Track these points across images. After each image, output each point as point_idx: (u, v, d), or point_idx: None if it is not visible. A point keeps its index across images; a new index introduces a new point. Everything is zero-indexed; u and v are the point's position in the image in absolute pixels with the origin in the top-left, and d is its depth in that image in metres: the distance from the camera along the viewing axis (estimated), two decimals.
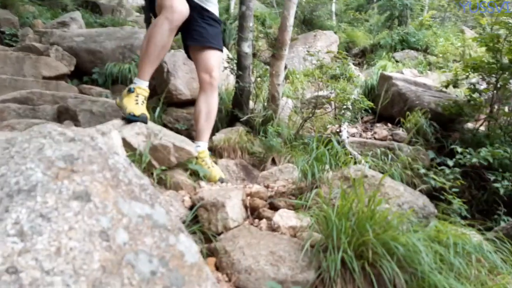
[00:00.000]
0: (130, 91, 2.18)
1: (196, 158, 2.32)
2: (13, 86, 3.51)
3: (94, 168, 0.92)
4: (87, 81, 4.35)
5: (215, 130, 3.40)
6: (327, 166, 1.85)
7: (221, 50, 2.51)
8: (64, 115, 2.77)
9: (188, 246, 0.99)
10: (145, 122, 2.09)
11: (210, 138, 3.29)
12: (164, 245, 0.92)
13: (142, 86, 2.18)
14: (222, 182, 2.28)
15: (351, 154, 2.56)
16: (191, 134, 3.77)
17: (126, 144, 2.02)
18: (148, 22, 2.53)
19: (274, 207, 1.84)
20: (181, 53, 4.20)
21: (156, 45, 2.13)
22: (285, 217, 1.64)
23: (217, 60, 2.44)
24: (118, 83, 4.32)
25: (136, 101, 2.13)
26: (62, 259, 0.69)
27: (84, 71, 4.45)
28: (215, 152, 3.22)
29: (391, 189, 1.67)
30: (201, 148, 2.43)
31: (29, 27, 5.81)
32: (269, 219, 1.73)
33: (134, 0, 13.83)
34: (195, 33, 2.38)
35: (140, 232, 0.88)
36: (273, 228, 1.64)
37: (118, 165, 1.00)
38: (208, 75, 2.39)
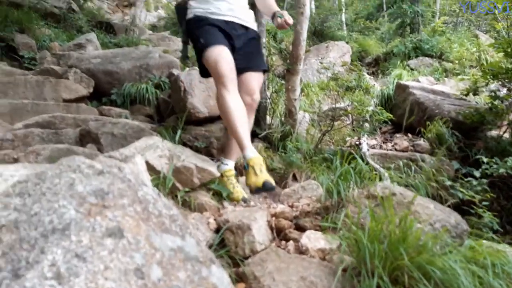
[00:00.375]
0: (245, 168, 2.12)
1: (222, 176, 2.29)
2: (34, 111, 3.58)
3: (124, 202, 0.91)
4: (106, 102, 4.40)
5: None
6: (352, 184, 1.81)
7: (265, 70, 2.49)
8: (87, 138, 2.80)
9: (220, 277, 0.97)
10: (271, 188, 1.95)
11: None
12: (197, 278, 0.90)
13: (252, 157, 2.08)
14: (245, 202, 2.23)
15: (375, 170, 2.51)
16: (210, 151, 3.78)
17: (150, 167, 2.02)
18: (185, 58, 2.57)
19: (300, 228, 1.80)
20: (196, 72, 4.23)
21: (233, 116, 2.11)
22: (313, 239, 1.60)
23: (259, 82, 2.38)
24: (136, 103, 4.37)
25: (255, 172, 2.01)
26: None
27: (102, 92, 4.52)
28: (236, 169, 3.21)
29: (421, 207, 1.62)
30: (228, 166, 2.38)
31: (46, 50, 5.95)
32: (296, 240, 1.70)
33: (147, 18, 14.13)
34: (239, 58, 2.27)
35: (173, 267, 0.87)
36: (301, 251, 1.60)
37: (148, 197, 0.99)
38: (250, 97, 2.31)
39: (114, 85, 4.53)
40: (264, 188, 1.93)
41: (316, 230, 1.73)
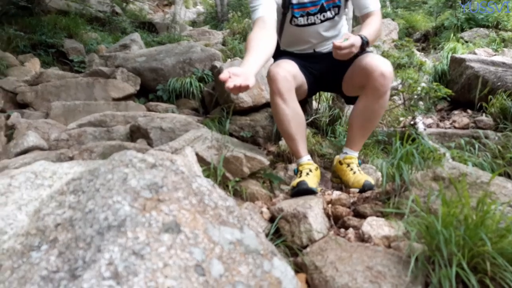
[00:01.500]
0: (295, 173, 2.15)
1: (340, 163, 2.19)
2: (86, 110, 3.69)
3: (179, 195, 0.86)
4: (153, 98, 4.47)
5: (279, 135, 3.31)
6: (416, 165, 1.67)
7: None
8: (136, 134, 2.84)
9: (284, 271, 0.90)
10: (305, 189, 1.91)
11: (277, 143, 3.21)
12: (260, 272, 0.83)
13: (302, 162, 2.08)
14: (367, 189, 1.94)
15: (441, 150, 2.33)
16: (256, 141, 3.72)
17: (199, 159, 2.00)
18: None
19: (359, 215, 1.70)
20: (238, 61, 4.18)
21: (284, 122, 2.04)
22: (375, 226, 1.50)
23: (377, 59, 2.02)
24: (182, 97, 4.40)
25: (300, 175, 2.03)
26: None
27: (148, 89, 4.59)
28: (283, 157, 3.14)
29: (498, 187, 1.46)
30: (348, 154, 2.19)
31: (94, 53, 6.16)
32: (356, 228, 1.60)
33: (186, 15, 14.31)
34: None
35: (234, 261, 0.81)
36: (363, 239, 1.50)
37: (202, 189, 0.94)
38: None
39: (159, 81, 4.59)
40: (298, 189, 1.93)
41: (377, 216, 1.62)
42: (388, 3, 11.18)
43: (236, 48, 6.24)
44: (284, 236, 1.57)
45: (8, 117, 3.38)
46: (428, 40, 8.29)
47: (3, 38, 5.45)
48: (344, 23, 2.30)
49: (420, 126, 3.41)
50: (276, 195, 2.20)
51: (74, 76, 4.79)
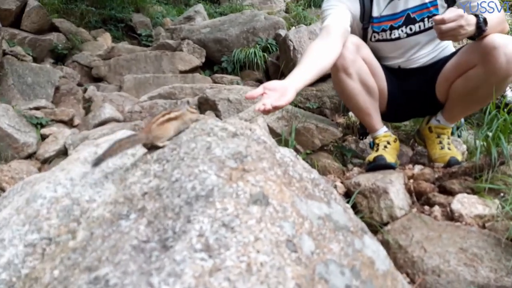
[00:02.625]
0: (370, 146, 2.01)
1: (430, 130, 1.94)
2: (156, 83, 3.80)
3: (264, 165, 0.81)
4: (218, 70, 4.49)
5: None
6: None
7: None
8: (205, 106, 2.86)
9: (376, 250, 0.83)
10: (383, 165, 1.77)
11: (346, 114, 3.07)
12: (351, 251, 0.77)
13: (378, 135, 1.92)
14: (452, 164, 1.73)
15: None
16: (323, 111, 3.60)
17: (270, 130, 1.96)
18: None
19: (445, 191, 1.56)
20: (304, 28, 4.02)
21: (352, 99, 1.83)
22: (467, 204, 1.36)
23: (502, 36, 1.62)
24: (246, 68, 4.36)
25: (377, 149, 1.89)
26: (255, 277, 0.59)
27: (214, 61, 4.61)
28: (353, 129, 3.00)
29: None
30: (440, 123, 1.93)
31: (160, 26, 6.29)
32: (442, 205, 1.47)
33: None
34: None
35: (324, 238, 0.75)
36: (451, 217, 1.37)
37: (286, 159, 0.89)
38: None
39: (224, 52, 4.57)
40: (375, 164, 1.78)
41: (467, 193, 1.47)
42: None
43: (300, 15, 6.01)
44: (361, 212, 1.49)
45: (85, 90, 3.57)
46: None
47: (76, 14, 5.72)
48: None
49: (509, 95, 3.06)
50: (349, 168, 2.10)
51: (143, 49, 4.93)
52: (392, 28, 1.83)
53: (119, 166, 0.96)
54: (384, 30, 1.85)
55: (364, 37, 1.90)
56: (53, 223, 0.76)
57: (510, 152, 1.45)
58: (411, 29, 1.82)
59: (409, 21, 1.80)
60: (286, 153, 0.92)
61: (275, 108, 1.31)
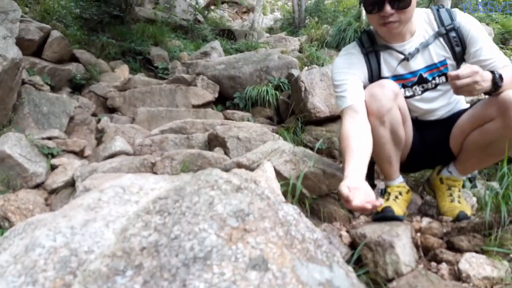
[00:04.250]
0: (381, 194, 1.99)
1: (441, 181, 1.92)
2: (168, 117, 3.86)
3: (266, 225, 0.81)
4: (230, 106, 4.55)
5: None
6: None
7: None
8: (214, 142, 2.88)
9: None
10: (390, 217, 1.73)
11: None
12: None
13: (391, 185, 1.90)
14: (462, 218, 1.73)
15: None
16: (332, 153, 3.60)
17: (277, 173, 1.95)
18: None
19: (453, 248, 1.51)
20: (317, 70, 4.09)
21: (380, 147, 1.78)
22: (475, 264, 1.31)
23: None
24: (258, 105, 4.41)
25: (387, 198, 1.88)
26: None
27: (226, 96, 4.68)
28: None
29: None
30: (452, 175, 1.92)
31: (177, 60, 6.46)
32: (450, 263, 1.42)
33: (263, 22, 14.52)
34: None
35: None
36: (459, 277, 1.33)
37: (289, 218, 0.88)
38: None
39: (237, 89, 4.66)
40: (382, 215, 1.75)
41: (476, 252, 1.43)
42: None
43: (313, 55, 6.13)
44: (367, 266, 1.45)
45: (98, 121, 3.64)
46: None
47: (97, 46, 5.92)
48: None
49: None
50: (356, 216, 2.07)
51: (159, 82, 5.04)
52: (404, 86, 1.82)
53: (122, 214, 0.95)
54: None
55: None
56: (49, 275, 0.75)
57: None
58: (423, 87, 1.82)
59: (422, 80, 1.80)
60: (290, 211, 0.91)
61: (371, 209, 1.30)
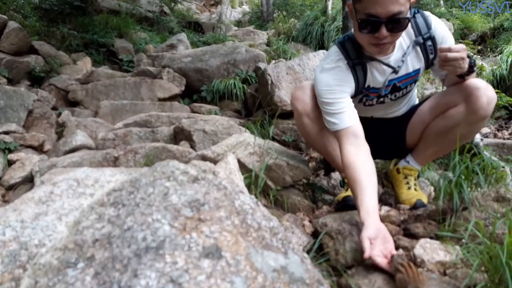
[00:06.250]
0: (341, 185, 2.09)
1: (398, 171, 1.99)
2: (133, 110, 3.78)
3: (221, 214, 0.81)
4: (197, 99, 4.50)
5: None
6: (480, 184, 1.53)
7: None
8: (180, 136, 2.85)
9: None
10: (351, 206, 1.78)
11: None
12: None
13: None
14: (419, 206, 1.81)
15: (501, 165, 2.14)
16: (298, 145, 3.64)
17: (241, 165, 1.95)
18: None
19: (410, 235, 1.58)
20: (283, 63, 4.11)
21: (316, 143, 1.93)
22: (429, 250, 1.37)
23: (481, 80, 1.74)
24: (225, 98, 4.39)
25: (347, 188, 1.95)
26: None
27: (193, 89, 4.63)
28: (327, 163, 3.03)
29: None
30: (409, 164, 1.99)
31: (142, 53, 6.31)
32: (407, 249, 1.48)
33: (232, 15, 14.42)
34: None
35: None
36: (414, 263, 1.38)
37: (245, 207, 0.88)
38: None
39: (204, 82, 4.61)
40: (343, 204, 1.85)
41: (430, 238, 1.49)
42: (442, 2, 10.67)
43: (281, 49, 6.16)
44: (328, 254, 1.48)
45: (59, 115, 3.51)
46: (485, 42, 7.81)
47: (57, 37, 5.70)
48: (414, 87, 1.99)
49: (476, 136, 3.17)
50: (319, 206, 2.11)
51: (123, 75, 4.92)
52: (379, 96, 1.85)
53: (75, 207, 0.93)
54: (372, 99, 1.88)
55: None
56: None
57: (471, 198, 1.49)
58: (395, 96, 1.87)
59: (395, 89, 1.83)
60: (247, 200, 0.91)
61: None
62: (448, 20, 8.18)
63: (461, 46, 1.52)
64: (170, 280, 0.64)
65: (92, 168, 1.13)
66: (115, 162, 2.40)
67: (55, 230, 0.85)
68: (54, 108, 3.78)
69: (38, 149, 2.82)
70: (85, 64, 5.21)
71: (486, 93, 1.63)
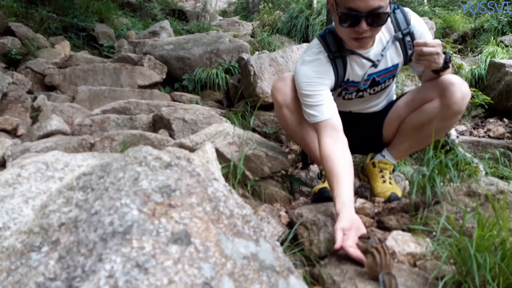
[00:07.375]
0: (318, 177, 2.10)
1: (373, 165, 2.01)
2: (111, 97, 3.70)
3: (193, 200, 0.80)
4: (178, 88, 4.45)
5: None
6: (452, 178, 1.56)
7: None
8: (159, 124, 2.81)
9: None
10: (326, 197, 1.83)
11: None
12: None
13: None
14: (393, 199, 1.84)
15: (474, 162, 2.19)
16: (279, 137, 3.64)
17: (219, 155, 1.94)
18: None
19: (383, 227, 1.60)
20: (266, 55, 4.10)
21: (294, 134, 1.95)
22: (401, 242, 1.40)
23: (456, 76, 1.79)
24: (207, 88, 4.36)
25: (324, 180, 1.94)
26: None
27: (174, 78, 4.57)
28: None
29: None
30: (385, 158, 2.02)
31: (123, 39, 6.19)
32: (379, 241, 1.50)
33: (217, 5, 14.26)
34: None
35: (246, 279, 0.74)
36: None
37: (218, 194, 0.88)
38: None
39: (186, 70, 4.56)
40: (319, 196, 1.87)
41: (403, 230, 1.52)
42: (425, 1, 10.80)
43: (265, 40, 6.13)
44: (302, 245, 1.49)
45: (34, 99, 3.42)
46: (466, 42, 7.95)
47: (35, 19, 5.53)
48: (393, 83, 2.01)
49: (453, 134, 3.24)
50: (296, 197, 2.12)
51: (103, 61, 4.82)
52: (359, 90, 1.86)
53: (43, 190, 0.91)
54: (352, 92, 1.88)
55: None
56: None
57: (444, 193, 1.52)
58: (374, 90, 1.89)
59: (374, 84, 1.85)
60: (220, 188, 0.90)
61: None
62: (430, 19, 8.29)
63: (437, 41, 1.55)
64: (136, 265, 0.63)
65: (63, 152, 1.10)
66: (91, 149, 2.35)
67: (21, 213, 0.82)
68: (29, 92, 3.68)
69: (12, 133, 2.74)
70: (63, 48, 5.07)
71: (460, 89, 1.66)
